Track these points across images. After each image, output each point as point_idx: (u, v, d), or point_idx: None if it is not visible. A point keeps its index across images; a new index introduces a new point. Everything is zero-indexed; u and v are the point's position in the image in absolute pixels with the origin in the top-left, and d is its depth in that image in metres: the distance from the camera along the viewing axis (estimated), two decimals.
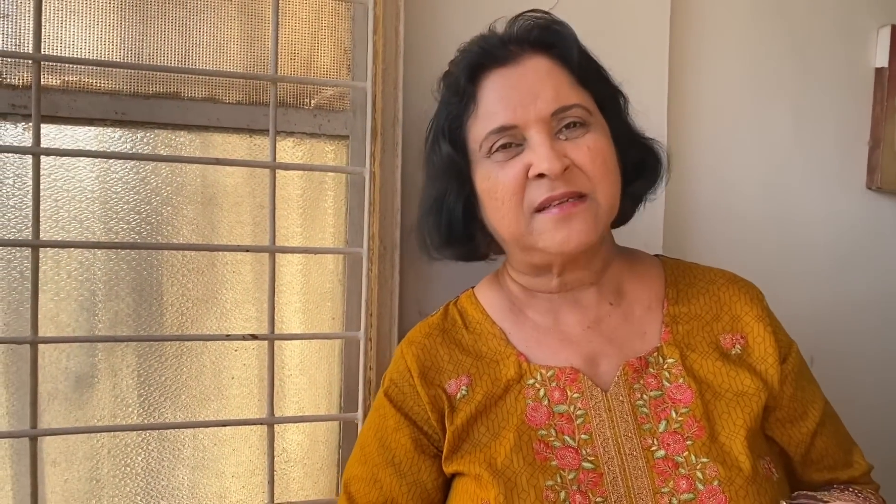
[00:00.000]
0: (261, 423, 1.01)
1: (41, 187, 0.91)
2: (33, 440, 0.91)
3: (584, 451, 0.79)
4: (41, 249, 0.93)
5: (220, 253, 1.07)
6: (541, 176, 0.79)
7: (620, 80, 0.91)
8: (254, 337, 0.99)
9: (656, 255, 0.96)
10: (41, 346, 0.94)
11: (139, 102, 1.01)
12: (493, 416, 0.82)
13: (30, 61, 0.91)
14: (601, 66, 0.89)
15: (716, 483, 0.75)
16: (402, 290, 1.09)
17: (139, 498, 1.05)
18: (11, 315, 0.99)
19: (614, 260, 0.90)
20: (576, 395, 0.82)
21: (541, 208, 0.80)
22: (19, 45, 0.96)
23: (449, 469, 0.83)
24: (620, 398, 0.82)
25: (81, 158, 1.00)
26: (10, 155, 0.97)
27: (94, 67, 0.99)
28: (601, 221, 0.81)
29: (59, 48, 0.97)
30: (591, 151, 0.80)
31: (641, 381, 0.83)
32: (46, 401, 1.01)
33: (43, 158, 0.95)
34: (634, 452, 0.79)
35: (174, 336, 1.06)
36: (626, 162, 0.86)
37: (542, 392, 0.83)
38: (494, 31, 0.89)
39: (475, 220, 0.88)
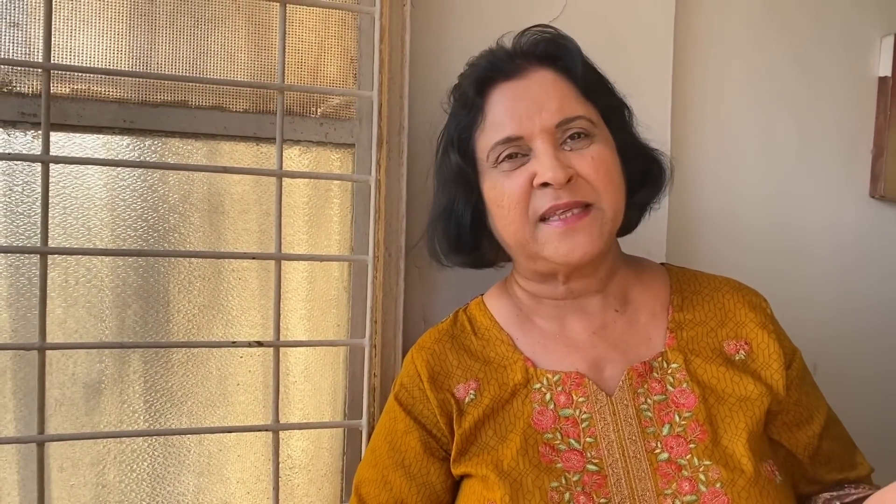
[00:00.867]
0: (266, 430, 1.02)
1: (50, 195, 0.91)
2: (40, 446, 0.91)
3: (588, 454, 0.81)
4: (49, 256, 0.94)
5: (227, 260, 1.08)
6: (545, 185, 0.81)
7: (625, 92, 0.92)
8: (259, 344, 1.00)
9: (662, 264, 0.97)
10: (49, 353, 0.95)
11: (147, 111, 1.02)
12: (501, 419, 0.84)
13: (39, 70, 0.92)
14: (606, 79, 0.90)
15: (718, 485, 0.77)
16: (407, 297, 1.10)
17: None
18: (20, 321, 1.00)
19: (620, 268, 0.91)
20: (581, 400, 0.83)
21: (545, 217, 0.81)
22: (29, 54, 0.97)
23: (457, 471, 0.84)
24: (625, 402, 0.83)
25: (90, 166, 1.01)
26: (20, 162, 0.98)
27: (103, 76, 1.00)
28: (606, 231, 0.82)
29: (68, 57, 0.98)
30: (595, 161, 0.82)
31: (646, 386, 0.84)
32: (53, 407, 1.01)
33: (52, 166, 0.96)
34: (638, 455, 0.80)
35: (181, 343, 1.06)
36: (630, 172, 0.88)
37: (548, 396, 0.84)
38: (502, 45, 0.91)
39: (483, 228, 0.90)
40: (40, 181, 0.89)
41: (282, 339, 1.03)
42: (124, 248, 1.04)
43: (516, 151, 0.83)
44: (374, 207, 1.02)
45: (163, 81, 1.02)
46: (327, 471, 1.14)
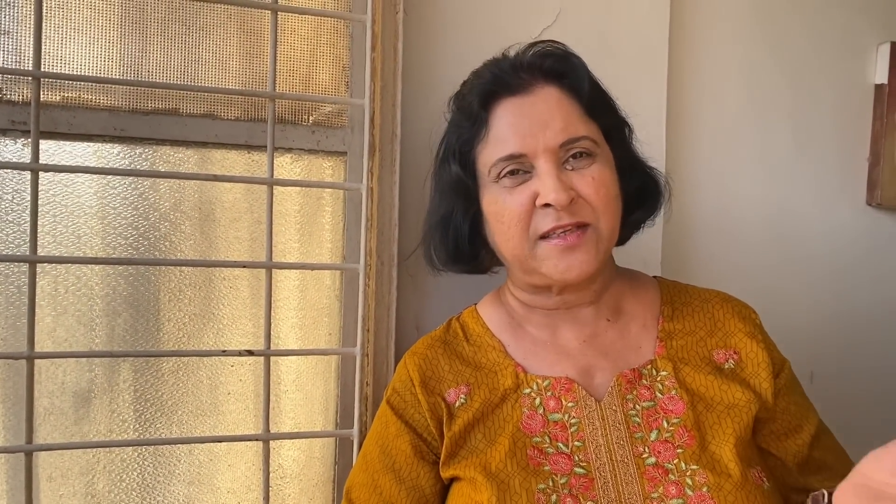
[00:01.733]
0: (256, 439, 1.01)
1: (40, 203, 0.91)
2: (29, 455, 0.91)
3: (576, 458, 0.82)
4: (39, 265, 0.93)
5: (218, 268, 1.07)
6: (547, 205, 0.82)
7: (619, 102, 0.92)
8: (250, 353, 0.99)
9: (654, 277, 0.98)
10: (38, 361, 0.94)
11: (138, 118, 1.01)
12: (490, 423, 0.85)
13: (29, 78, 0.92)
14: (610, 96, 0.91)
15: (705, 489, 0.78)
16: (399, 306, 1.09)
17: None
18: (8, 330, 0.99)
19: (614, 280, 0.93)
20: (570, 404, 0.85)
21: (545, 236, 0.83)
22: (19, 62, 0.97)
23: (446, 474, 0.85)
24: (613, 407, 0.84)
25: (80, 174, 1.01)
26: (9, 171, 0.98)
27: (94, 84, 0.99)
28: (602, 250, 0.84)
29: (58, 65, 0.98)
30: (596, 182, 0.83)
31: (635, 392, 0.85)
32: (42, 416, 1.01)
33: (42, 174, 0.95)
34: (626, 459, 0.81)
35: (171, 352, 1.05)
36: (627, 189, 0.89)
37: (538, 401, 0.85)
38: (508, 56, 0.90)
39: (480, 238, 0.91)
40: (30, 189, 0.89)
41: (273, 347, 1.02)
42: (115, 256, 1.03)
43: (518, 168, 0.84)
44: (366, 216, 1.02)
45: (154, 89, 1.02)
46: (319, 480, 1.13)
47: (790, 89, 1.35)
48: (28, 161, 0.91)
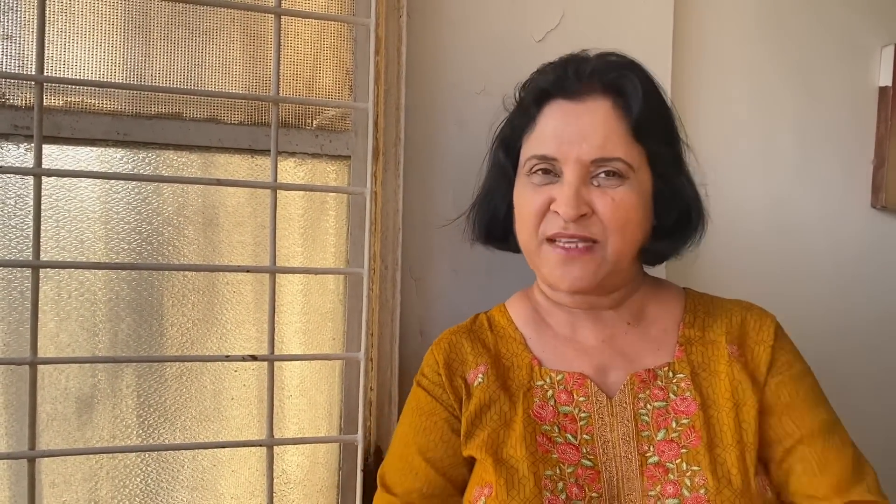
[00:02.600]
0: (260, 445, 1.01)
1: (42, 208, 0.90)
2: (31, 462, 0.90)
3: (584, 450, 0.84)
4: (42, 270, 0.93)
5: (221, 273, 1.07)
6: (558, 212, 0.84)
7: None
8: (253, 358, 0.98)
9: (683, 288, 0.98)
10: (41, 367, 0.94)
11: (141, 123, 1.01)
12: (503, 407, 0.88)
13: (32, 82, 0.91)
14: (669, 124, 0.90)
15: (702, 491, 0.79)
16: (404, 310, 1.09)
17: None
18: (11, 335, 0.99)
19: (640, 288, 0.94)
20: (582, 399, 0.87)
21: (552, 239, 0.85)
22: (23, 67, 0.97)
23: (465, 453, 0.88)
24: (624, 405, 0.86)
25: (83, 179, 1.01)
26: (12, 175, 0.98)
27: (97, 88, 0.99)
28: (602, 271, 0.85)
29: (61, 69, 0.98)
30: (615, 204, 0.83)
31: (647, 392, 0.87)
32: (45, 422, 1.00)
33: (45, 179, 0.95)
34: (629, 456, 0.83)
35: (174, 357, 1.05)
36: (663, 219, 0.89)
37: (549, 393, 0.88)
38: (580, 57, 0.90)
39: (512, 221, 0.93)
40: (33, 194, 0.89)
41: (277, 352, 1.02)
42: (118, 261, 1.03)
43: (550, 169, 0.86)
44: (370, 220, 1.01)
45: (157, 94, 1.01)
46: (323, 486, 1.13)
47: (794, 92, 1.35)
48: (31, 166, 0.90)
